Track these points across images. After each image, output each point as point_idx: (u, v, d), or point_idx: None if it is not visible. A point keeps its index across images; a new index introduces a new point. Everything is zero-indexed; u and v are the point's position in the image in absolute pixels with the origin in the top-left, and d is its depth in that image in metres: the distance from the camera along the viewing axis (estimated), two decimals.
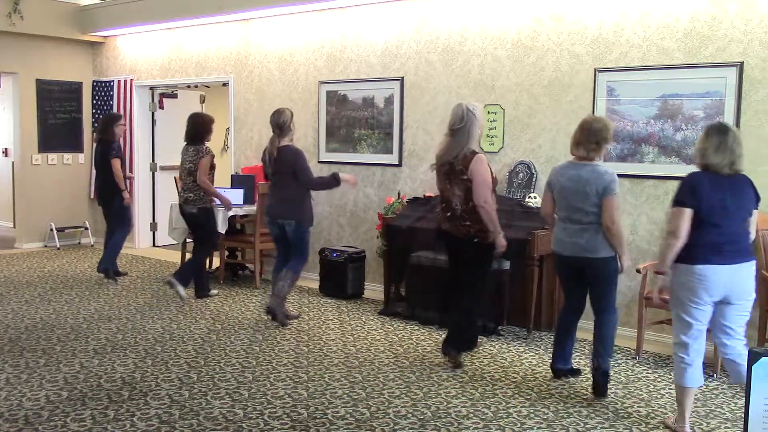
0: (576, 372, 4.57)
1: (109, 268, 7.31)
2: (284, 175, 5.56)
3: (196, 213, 6.43)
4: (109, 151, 7.11)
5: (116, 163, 7.10)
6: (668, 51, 5.32)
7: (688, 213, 3.58)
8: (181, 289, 6.25)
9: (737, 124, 5.03)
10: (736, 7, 5.04)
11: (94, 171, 9.74)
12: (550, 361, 4.59)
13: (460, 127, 4.56)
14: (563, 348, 4.49)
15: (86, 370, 4.57)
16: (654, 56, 5.38)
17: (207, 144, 6.47)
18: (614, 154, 5.55)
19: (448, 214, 4.67)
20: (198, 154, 6.35)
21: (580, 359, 4.94)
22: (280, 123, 5.57)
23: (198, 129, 6.42)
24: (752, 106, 5.01)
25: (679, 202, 3.62)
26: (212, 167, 6.45)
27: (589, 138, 4.13)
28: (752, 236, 3.72)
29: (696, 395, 4.32)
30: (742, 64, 5.02)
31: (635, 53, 5.46)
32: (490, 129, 6.24)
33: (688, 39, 5.24)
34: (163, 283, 6.68)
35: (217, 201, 6.69)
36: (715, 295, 3.61)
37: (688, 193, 3.60)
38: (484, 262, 4.75)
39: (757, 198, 3.70)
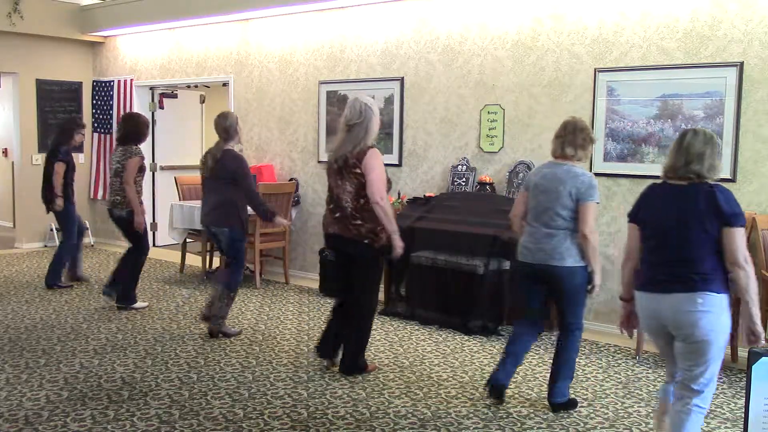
0: (503, 397, 4.13)
1: (55, 282, 6.89)
2: (221, 180, 5.22)
3: (125, 216, 5.96)
4: (56, 155, 6.70)
5: (58, 167, 6.67)
6: (668, 51, 5.32)
7: (629, 227, 3.27)
8: (139, 304, 6.15)
9: (737, 124, 5.03)
10: (736, 7, 5.04)
11: (95, 171, 9.79)
12: (491, 374, 4.14)
13: (358, 122, 4.26)
14: (513, 364, 4.07)
15: (86, 370, 4.57)
16: (654, 56, 5.38)
17: (139, 146, 6.05)
18: (614, 154, 5.55)
19: (337, 214, 4.35)
20: (126, 153, 5.91)
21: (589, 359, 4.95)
22: (227, 126, 5.25)
23: (131, 129, 5.99)
24: (752, 106, 5.01)
25: (627, 215, 3.31)
26: (141, 169, 5.99)
27: (577, 135, 3.88)
28: (733, 262, 2.93)
29: None
30: (742, 64, 5.02)
31: (635, 53, 5.46)
32: (490, 129, 6.24)
33: (688, 39, 5.24)
34: (103, 301, 6.25)
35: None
36: (655, 327, 3.12)
37: (634, 205, 3.26)
38: (374, 266, 4.45)
39: (726, 214, 2.92)
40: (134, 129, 6.03)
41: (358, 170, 4.23)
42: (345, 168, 4.27)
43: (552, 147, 3.99)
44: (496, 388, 4.07)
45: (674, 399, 3.13)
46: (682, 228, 2.98)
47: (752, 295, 2.92)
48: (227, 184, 5.22)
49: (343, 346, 4.57)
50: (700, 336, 2.94)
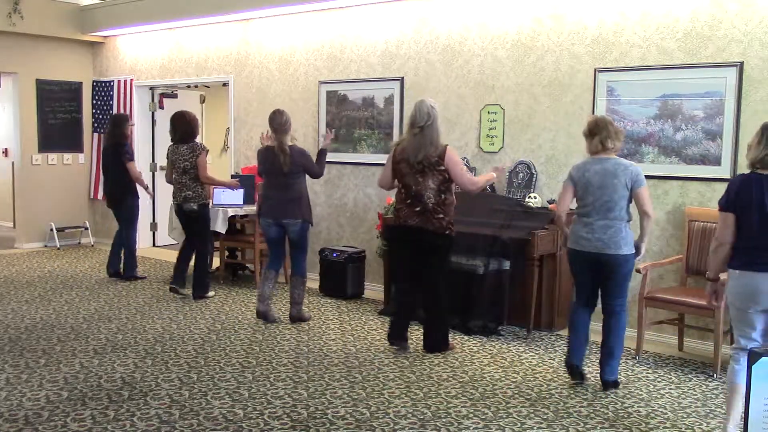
0: (584, 377, 4.47)
1: (132, 274, 7.37)
2: (293, 175, 5.58)
3: (197, 209, 6.46)
4: (123, 154, 7.11)
5: (133, 166, 7.16)
6: (668, 51, 5.32)
7: (724, 216, 3.50)
8: (210, 293, 6.67)
9: (737, 124, 5.03)
10: (736, 7, 5.04)
11: (95, 171, 9.78)
12: (566, 357, 4.46)
13: (428, 123, 4.73)
14: (581, 344, 4.41)
15: (86, 370, 4.57)
16: (654, 56, 5.38)
17: (197, 141, 6.51)
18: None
19: (418, 209, 4.79)
20: (194, 152, 6.36)
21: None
22: (283, 122, 5.58)
23: (187, 128, 6.42)
24: (752, 106, 5.01)
25: (719, 204, 3.56)
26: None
27: (610, 129, 4.24)
28: None
29: (696, 395, 4.33)
30: (742, 64, 5.02)
31: (635, 53, 5.46)
32: (490, 129, 6.24)
33: (688, 39, 5.24)
34: (194, 300, 6.54)
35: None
36: (759, 303, 3.39)
37: (725, 194, 3.52)
38: (449, 254, 5.00)
39: None
40: (187, 128, 6.44)
41: (442, 167, 4.73)
42: (429, 167, 4.74)
43: (589, 146, 4.31)
44: (577, 370, 4.41)
45: None
46: None
47: None
48: (298, 177, 5.62)
49: (425, 328, 5.08)
50: None
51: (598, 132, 4.23)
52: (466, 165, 6.28)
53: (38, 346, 5.07)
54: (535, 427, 3.80)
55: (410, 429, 3.75)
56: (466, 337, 5.44)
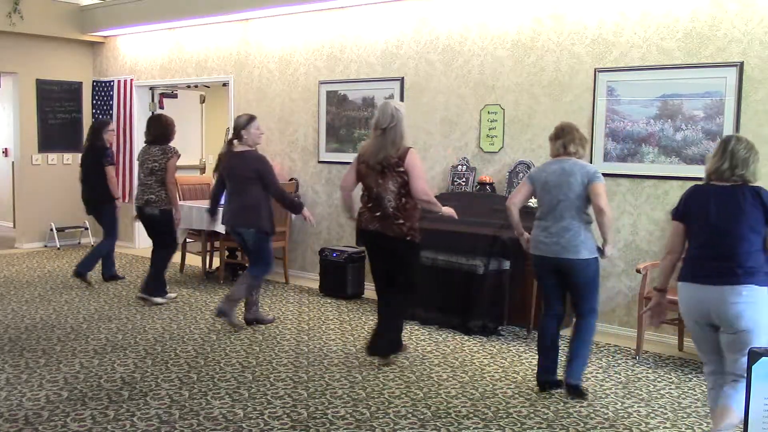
0: (561, 384, 4.31)
1: (84, 272, 6.93)
2: (244, 181, 5.39)
3: (158, 215, 6.16)
4: (104, 158, 6.94)
5: (111, 171, 6.96)
6: (668, 51, 5.32)
7: (674, 225, 3.49)
8: (157, 299, 6.32)
9: (737, 124, 5.03)
10: (736, 7, 5.04)
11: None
12: (536, 373, 4.37)
13: (391, 125, 4.56)
14: (549, 358, 4.31)
15: (86, 370, 4.57)
16: (654, 56, 5.39)
17: (171, 145, 6.26)
18: (614, 154, 5.55)
19: (378, 213, 4.64)
20: (165, 154, 6.10)
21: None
22: (238, 123, 5.43)
23: (164, 130, 6.19)
24: (752, 106, 5.01)
25: (671, 213, 3.55)
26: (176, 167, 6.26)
27: (575, 134, 4.20)
28: None
29: (696, 395, 4.33)
30: (742, 64, 5.02)
31: (635, 53, 5.46)
32: (490, 129, 6.25)
33: (688, 39, 5.24)
34: (137, 301, 6.38)
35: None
36: (699, 317, 3.33)
37: (678, 204, 3.49)
38: (416, 259, 4.85)
39: None
40: (164, 130, 6.24)
41: (401, 169, 4.54)
42: (388, 168, 4.57)
43: (552, 148, 4.26)
44: (549, 384, 4.29)
45: (725, 386, 3.32)
46: (730, 225, 3.24)
47: None
48: (251, 184, 5.37)
49: (378, 328, 4.87)
50: (744, 326, 3.18)
51: (562, 136, 4.20)
52: (465, 165, 6.32)
53: (38, 346, 5.07)
54: (535, 427, 3.80)
55: (410, 429, 3.75)
56: (466, 337, 5.44)
